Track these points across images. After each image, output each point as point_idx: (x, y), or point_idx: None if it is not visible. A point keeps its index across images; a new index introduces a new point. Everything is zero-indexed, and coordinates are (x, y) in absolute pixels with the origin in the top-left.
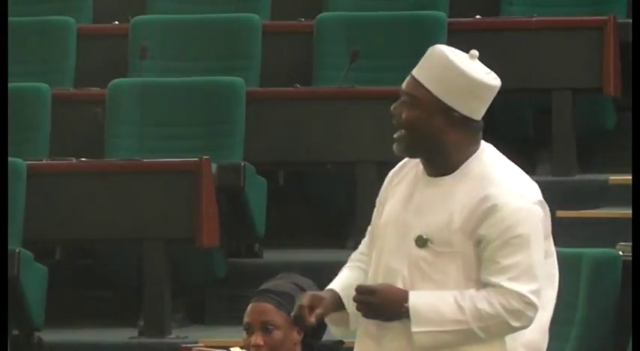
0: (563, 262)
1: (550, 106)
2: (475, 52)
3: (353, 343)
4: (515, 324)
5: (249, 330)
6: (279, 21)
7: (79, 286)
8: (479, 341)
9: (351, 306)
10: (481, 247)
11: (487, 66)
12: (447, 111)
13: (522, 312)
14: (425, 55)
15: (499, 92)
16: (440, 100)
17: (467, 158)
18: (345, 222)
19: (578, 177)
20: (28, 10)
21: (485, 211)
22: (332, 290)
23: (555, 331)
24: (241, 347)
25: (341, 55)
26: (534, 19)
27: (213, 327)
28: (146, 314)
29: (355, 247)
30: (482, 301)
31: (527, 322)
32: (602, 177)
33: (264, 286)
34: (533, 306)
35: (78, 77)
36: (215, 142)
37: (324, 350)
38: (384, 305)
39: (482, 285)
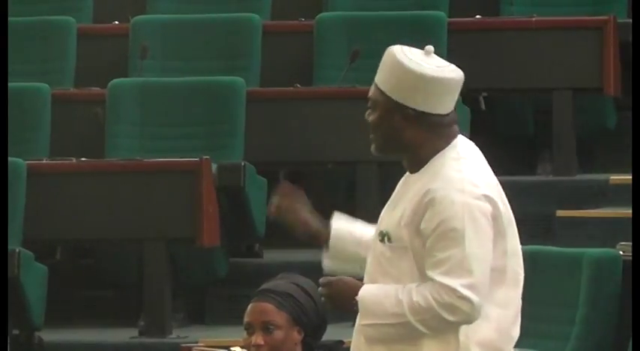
0: (563, 262)
1: (550, 106)
2: (430, 48)
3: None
4: (449, 318)
5: (250, 330)
6: (279, 21)
7: (80, 286)
8: (430, 337)
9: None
10: (424, 241)
11: (487, 66)
12: (400, 109)
13: (455, 306)
14: (382, 59)
15: (500, 91)
16: (392, 99)
17: (434, 154)
18: None
19: (578, 177)
20: (28, 10)
21: (425, 206)
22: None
23: (556, 331)
24: (242, 347)
25: (341, 55)
26: (534, 19)
27: (213, 327)
28: (146, 314)
29: None
30: (418, 294)
31: (464, 317)
32: (602, 177)
33: (264, 286)
34: (466, 300)
35: (78, 77)
36: (215, 142)
37: (323, 350)
38: (337, 297)
39: (426, 279)
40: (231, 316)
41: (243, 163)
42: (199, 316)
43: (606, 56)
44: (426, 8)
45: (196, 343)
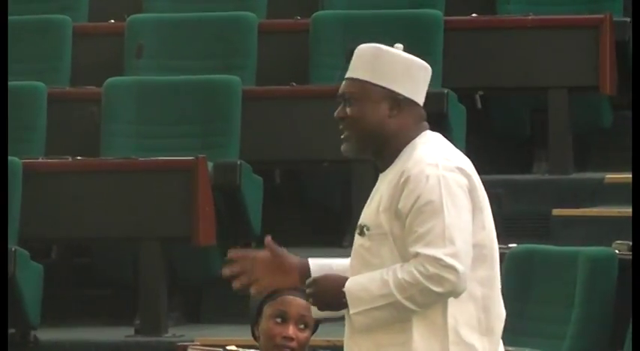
0: (559, 260)
1: (546, 105)
2: (399, 46)
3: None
4: (437, 289)
5: (283, 319)
6: (275, 19)
7: (76, 285)
8: (418, 319)
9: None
10: (402, 222)
11: (483, 64)
12: (390, 95)
13: (441, 275)
14: (353, 57)
15: (496, 90)
16: (381, 86)
17: (405, 145)
18: (342, 220)
19: (574, 175)
20: (24, 9)
21: (401, 186)
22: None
23: (551, 329)
24: (238, 345)
25: (337, 54)
26: (530, 17)
27: (209, 326)
28: (142, 313)
29: (351, 246)
30: (402, 271)
31: (450, 287)
32: (598, 175)
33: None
34: (451, 268)
35: (74, 76)
36: (211, 140)
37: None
38: (324, 294)
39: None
40: (227, 315)
41: (239, 162)
42: (195, 315)
43: (602, 55)
44: (422, 7)
45: (192, 341)
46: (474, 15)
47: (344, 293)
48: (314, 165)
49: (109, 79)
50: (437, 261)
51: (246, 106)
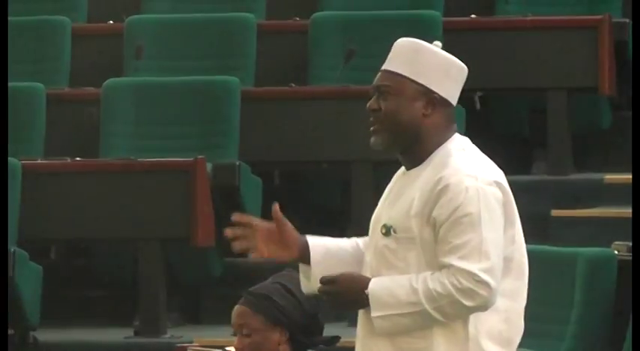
0: (558, 261)
1: (545, 106)
2: (438, 43)
3: (350, 340)
4: (468, 303)
5: (234, 333)
6: (274, 20)
7: (75, 286)
8: (440, 326)
9: (317, 264)
10: (436, 230)
11: (482, 65)
12: (426, 93)
13: (474, 290)
14: (392, 50)
15: (495, 91)
16: (418, 83)
17: (437, 147)
18: (341, 221)
19: (573, 176)
20: (23, 10)
21: (438, 193)
22: (303, 237)
23: (551, 330)
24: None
25: (336, 55)
26: (529, 18)
27: (208, 326)
28: (141, 314)
29: None
30: (434, 281)
31: (482, 302)
32: (597, 176)
33: (250, 288)
34: (485, 284)
35: (73, 77)
36: (210, 141)
37: (318, 346)
38: (345, 293)
39: (439, 268)
40: (225, 315)
41: (237, 163)
42: (194, 315)
43: (601, 55)
44: (421, 8)
45: (191, 342)
46: (472, 16)
47: (367, 295)
48: (313, 166)
49: (108, 80)
50: (471, 276)
51: (245, 106)
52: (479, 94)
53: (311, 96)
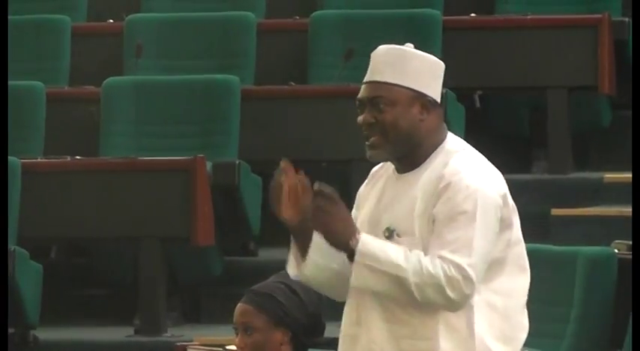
0: (558, 260)
1: (545, 105)
2: (410, 45)
3: None
4: (449, 293)
5: (235, 331)
6: (274, 19)
7: (75, 285)
8: (444, 330)
9: (313, 255)
10: (434, 225)
11: (482, 64)
12: (419, 98)
13: (459, 282)
14: (372, 60)
15: (495, 90)
16: (410, 89)
17: (434, 149)
18: None
19: (573, 175)
20: (23, 9)
21: (440, 191)
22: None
23: (551, 329)
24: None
25: (336, 54)
26: (529, 17)
27: (208, 325)
28: (142, 313)
29: None
30: (427, 260)
31: (461, 296)
32: (597, 175)
33: (253, 287)
34: (469, 280)
35: (73, 76)
36: (210, 140)
37: (319, 347)
38: (338, 221)
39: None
40: (226, 314)
41: (237, 162)
42: (194, 314)
43: (601, 54)
44: (420, 6)
45: (191, 341)
46: (472, 15)
47: (357, 239)
48: (313, 165)
49: (108, 79)
50: (461, 269)
51: (244, 105)
52: (479, 92)
53: (311, 95)
